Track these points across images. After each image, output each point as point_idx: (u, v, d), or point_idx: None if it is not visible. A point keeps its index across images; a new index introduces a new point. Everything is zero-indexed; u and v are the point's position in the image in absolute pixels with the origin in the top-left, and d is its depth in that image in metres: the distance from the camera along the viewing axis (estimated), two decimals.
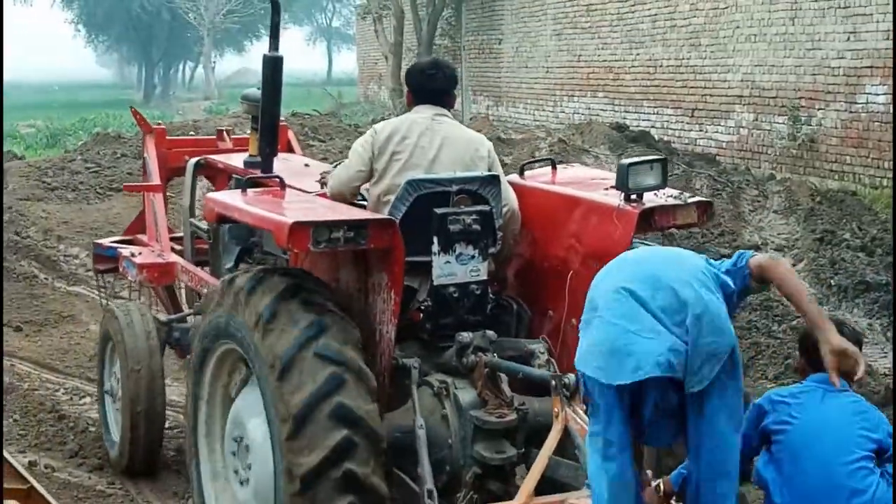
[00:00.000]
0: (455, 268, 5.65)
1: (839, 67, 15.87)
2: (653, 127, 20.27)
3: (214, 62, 57.58)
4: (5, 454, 4.20)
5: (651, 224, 5.66)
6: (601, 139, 18.36)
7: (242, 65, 73.83)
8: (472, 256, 5.66)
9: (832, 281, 11.81)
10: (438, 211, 5.57)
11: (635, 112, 21.42)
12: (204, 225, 7.47)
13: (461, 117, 28.95)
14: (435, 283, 5.65)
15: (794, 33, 16.72)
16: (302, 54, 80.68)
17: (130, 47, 67.05)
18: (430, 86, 6.12)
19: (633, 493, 4.38)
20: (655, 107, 20.82)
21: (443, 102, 6.11)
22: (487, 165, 6.00)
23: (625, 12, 22.03)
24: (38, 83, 72.28)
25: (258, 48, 70.17)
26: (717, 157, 18.33)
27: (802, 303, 4.42)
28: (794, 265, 12.73)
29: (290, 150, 8.66)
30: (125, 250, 8.01)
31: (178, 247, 8.05)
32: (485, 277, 5.76)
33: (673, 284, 4.24)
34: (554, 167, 6.57)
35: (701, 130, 19.29)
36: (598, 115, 22.37)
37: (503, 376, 5.54)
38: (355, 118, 28.98)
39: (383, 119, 7.43)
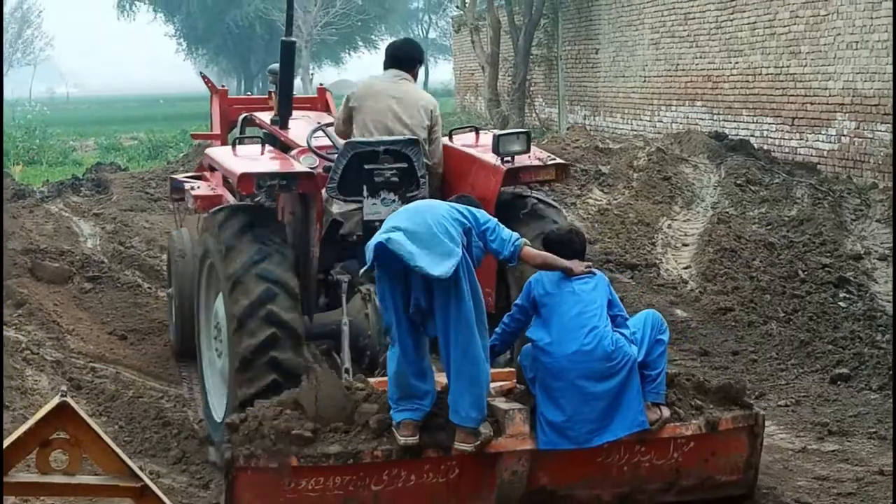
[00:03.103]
0: (380, 208, 7.54)
1: None
2: (752, 136, 20.05)
3: (313, 74, 57.97)
4: (120, 453, 4.30)
5: (518, 179, 7.85)
6: (700, 148, 18.20)
7: (341, 76, 74.39)
8: (394, 200, 7.55)
9: None
10: (367, 166, 7.52)
11: (734, 121, 21.22)
12: None
13: (557, 127, 28.92)
14: (365, 218, 7.62)
15: None
16: None
17: (230, 60, 67.97)
18: (397, 54, 8.29)
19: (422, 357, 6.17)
20: (755, 115, 20.60)
21: (406, 67, 8.23)
22: (433, 120, 8.09)
23: (723, 21, 21.84)
24: (142, 96, 73.53)
25: (356, 60, 70.90)
26: (818, 166, 18.08)
27: (550, 262, 6.49)
28: None
29: (328, 109, 10.81)
30: (188, 184, 9.58)
31: None
32: None
33: (424, 220, 6.05)
34: (477, 133, 8.63)
35: (801, 139, 19.04)
36: (696, 124, 22.19)
37: None
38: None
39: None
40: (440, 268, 5.86)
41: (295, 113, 9.44)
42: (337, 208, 7.87)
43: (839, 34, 17.87)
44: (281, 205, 8.08)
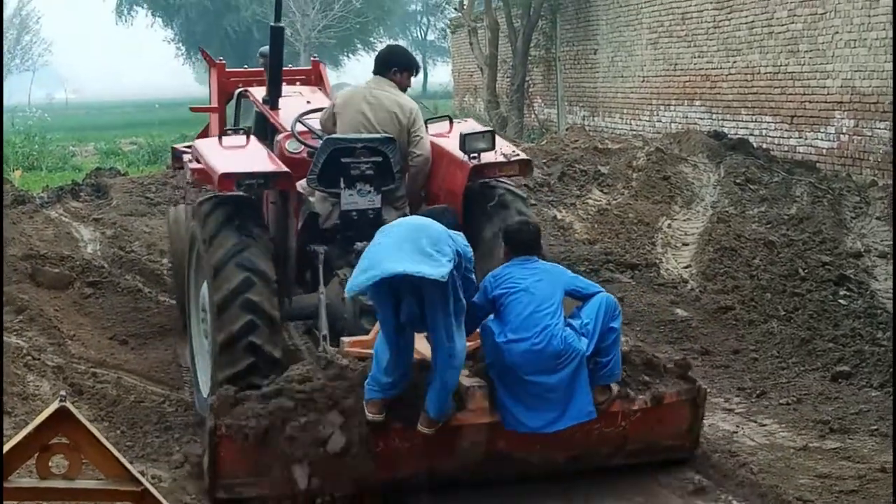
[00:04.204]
0: (356, 199, 8.13)
1: None
2: (751, 135, 20.04)
3: None
4: (121, 458, 4.31)
5: (484, 174, 8.37)
6: (699, 148, 18.20)
7: (340, 79, 74.34)
8: (369, 192, 8.13)
9: None
10: (343, 160, 8.06)
11: (733, 120, 21.22)
12: None
13: (556, 127, 28.91)
14: (342, 209, 8.17)
15: None
16: None
17: (229, 64, 68.00)
18: (379, 60, 8.72)
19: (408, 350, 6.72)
20: (753, 114, 20.60)
21: (387, 73, 8.62)
22: (408, 122, 8.44)
23: (721, 20, 21.85)
24: (140, 101, 73.43)
25: (354, 63, 70.88)
26: (818, 165, 18.08)
27: None
28: None
29: (321, 82, 11.41)
30: (187, 155, 9.70)
31: None
32: (379, 206, 8.22)
33: (419, 238, 6.47)
34: (451, 122, 9.20)
35: (800, 137, 19.04)
36: (695, 123, 22.20)
37: None
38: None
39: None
40: (438, 270, 6.30)
41: (287, 89, 10.19)
42: (316, 202, 8.34)
43: (837, 32, 17.88)
44: (264, 192, 8.53)
